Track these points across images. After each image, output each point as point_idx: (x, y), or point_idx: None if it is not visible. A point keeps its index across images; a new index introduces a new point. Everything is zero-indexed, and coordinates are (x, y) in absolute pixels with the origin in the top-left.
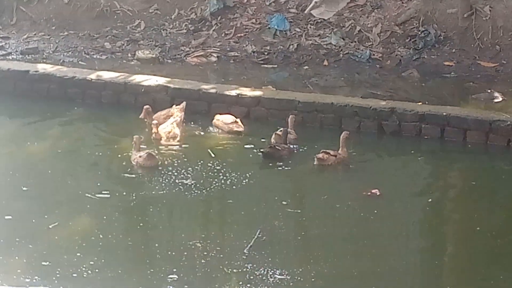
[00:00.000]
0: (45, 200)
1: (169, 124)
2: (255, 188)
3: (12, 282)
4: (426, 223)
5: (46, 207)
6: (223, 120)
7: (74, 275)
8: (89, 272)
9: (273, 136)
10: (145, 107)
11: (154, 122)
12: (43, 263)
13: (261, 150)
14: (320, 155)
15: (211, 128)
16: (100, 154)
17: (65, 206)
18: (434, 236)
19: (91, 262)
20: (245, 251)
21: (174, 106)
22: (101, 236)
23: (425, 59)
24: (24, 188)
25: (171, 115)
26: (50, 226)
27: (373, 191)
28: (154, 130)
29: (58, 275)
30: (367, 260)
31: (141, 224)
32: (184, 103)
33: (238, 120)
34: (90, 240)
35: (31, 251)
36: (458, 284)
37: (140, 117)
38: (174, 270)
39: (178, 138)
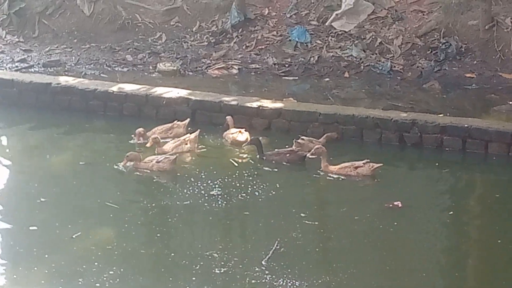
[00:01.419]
0: (68, 211)
1: (177, 142)
2: (274, 199)
3: None
4: (447, 235)
5: (69, 217)
6: (229, 131)
7: (97, 284)
8: (111, 281)
9: (294, 144)
10: (137, 131)
11: (153, 136)
12: (67, 272)
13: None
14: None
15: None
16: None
17: (88, 216)
18: (455, 248)
19: (112, 272)
20: (263, 262)
21: (176, 121)
22: (123, 246)
23: (446, 71)
24: (47, 199)
25: (173, 130)
26: (73, 236)
27: (395, 203)
28: (149, 144)
29: (80, 284)
30: (386, 272)
31: (161, 234)
32: (187, 120)
33: (242, 130)
34: (112, 250)
35: (55, 261)
36: None
37: (136, 141)
38: (193, 279)
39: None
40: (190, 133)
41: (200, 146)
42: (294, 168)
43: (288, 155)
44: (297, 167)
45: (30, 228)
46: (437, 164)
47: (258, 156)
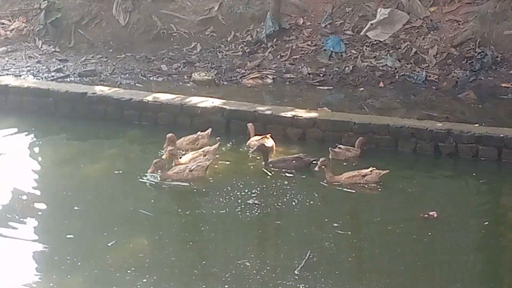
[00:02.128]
0: (103, 219)
1: (196, 154)
2: (308, 209)
3: None
4: (483, 246)
5: (104, 225)
6: (253, 139)
7: None
8: None
9: (330, 153)
10: (168, 135)
11: (170, 148)
12: (102, 281)
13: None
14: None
15: (245, 149)
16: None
17: (123, 224)
18: (491, 260)
19: (146, 280)
20: (296, 271)
21: (199, 132)
22: (156, 254)
23: (481, 80)
24: (83, 208)
25: (198, 141)
26: (109, 244)
27: (430, 213)
28: (166, 156)
29: None
30: (420, 283)
31: (194, 242)
32: (209, 130)
33: (268, 136)
34: (146, 258)
35: (90, 269)
36: None
37: (164, 147)
38: (226, 287)
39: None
40: (210, 145)
41: (227, 156)
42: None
43: (294, 161)
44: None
45: (67, 236)
46: (474, 174)
47: (263, 163)
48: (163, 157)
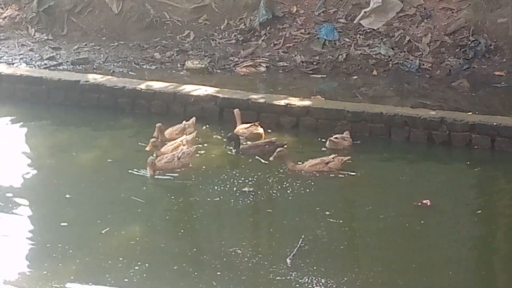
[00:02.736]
0: (96, 207)
1: (175, 144)
2: (301, 197)
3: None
4: (476, 234)
5: (97, 213)
6: (241, 126)
7: (125, 280)
8: (138, 276)
9: (328, 142)
10: (157, 125)
11: (152, 139)
12: (96, 268)
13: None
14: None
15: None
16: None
17: (116, 212)
18: (483, 247)
19: (138, 267)
20: (288, 259)
21: (184, 121)
22: (149, 241)
23: (475, 69)
24: (75, 196)
25: (186, 130)
26: (103, 232)
27: (424, 201)
28: (149, 148)
29: (109, 279)
30: (412, 270)
31: (187, 230)
32: (194, 118)
33: (256, 123)
34: (139, 245)
35: (84, 256)
36: None
37: (154, 135)
38: (218, 274)
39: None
40: (187, 134)
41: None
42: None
43: (267, 146)
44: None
45: (61, 224)
46: (467, 162)
47: (234, 151)
48: (146, 149)
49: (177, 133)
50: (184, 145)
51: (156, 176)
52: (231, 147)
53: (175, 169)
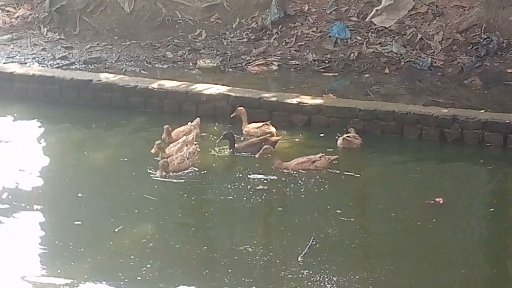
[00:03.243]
0: (108, 206)
1: (178, 145)
2: (312, 196)
3: (80, 287)
4: (488, 232)
5: (110, 212)
6: (253, 126)
7: (138, 278)
8: (150, 274)
9: (341, 141)
10: (165, 127)
11: (157, 142)
12: (109, 266)
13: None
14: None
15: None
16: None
17: (129, 211)
18: (495, 245)
19: (150, 266)
20: (299, 258)
21: (189, 123)
22: (162, 239)
23: (487, 66)
24: (88, 194)
25: (189, 132)
26: (116, 230)
27: (436, 199)
28: (154, 150)
29: (122, 277)
30: (424, 269)
31: (199, 228)
32: (198, 119)
33: (268, 123)
34: (152, 244)
35: (98, 254)
36: None
37: (162, 137)
38: (229, 271)
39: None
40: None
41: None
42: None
43: (263, 143)
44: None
45: (75, 223)
46: (479, 160)
47: (230, 150)
48: (152, 151)
49: (184, 134)
50: (186, 145)
51: (167, 176)
52: (225, 146)
53: (187, 170)
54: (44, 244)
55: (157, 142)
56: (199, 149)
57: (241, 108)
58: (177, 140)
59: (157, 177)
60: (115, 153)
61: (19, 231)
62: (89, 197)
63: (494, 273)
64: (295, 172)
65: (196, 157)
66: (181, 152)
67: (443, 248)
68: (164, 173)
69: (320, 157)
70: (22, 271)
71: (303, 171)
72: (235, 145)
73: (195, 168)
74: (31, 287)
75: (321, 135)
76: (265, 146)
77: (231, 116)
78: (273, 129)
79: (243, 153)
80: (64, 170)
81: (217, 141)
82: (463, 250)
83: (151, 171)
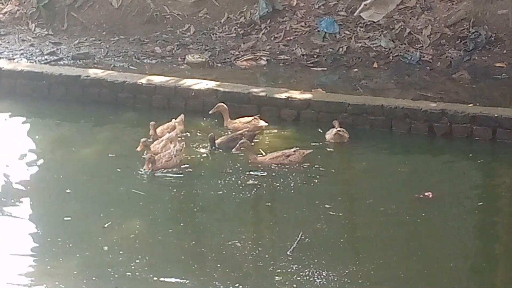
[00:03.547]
0: (97, 202)
1: (162, 142)
2: (301, 190)
3: (70, 283)
4: (476, 226)
5: (98, 208)
6: (241, 120)
7: (128, 273)
8: (140, 269)
9: (332, 135)
10: (151, 123)
11: (143, 139)
12: (98, 262)
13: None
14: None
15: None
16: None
17: (117, 206)
18: (483, 240)
19: (140, 261)
20: (288, 252)
21: (173, 119)
22: (151, 234)
23: (475, 60)
24: (77, 191)
25: (173, 128)
26: (105, 225)
27: (426, 193)
28: (140, 148)
29: (111, 273)
30: (413, 262)
31: (187, 223)
32: (182, 116)
33: (257, 117)
34: (140, 239)
35: (87, 250)
36: (509, 287)
37: (150, 133)
38: (218, 265)
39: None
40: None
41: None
42: (322, 158)
43: (242, 137)
44: (326, 157)
45: (64, 218)
46: (469, 154)
47: (209, 149)
48: (137, 149)
49: (168, 131)
50: (171, 142)
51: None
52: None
53: (175, 167)
54: (33, 240)
55: (142, 139)
56: (185, 146)
57: (221, 104)
58: (162, 137)
59: (145, 172)
60: (103, 149)
61: (5, 227)
62: (76, 193)
63: (482, 266)
64: (284, 167)
65: (183, 155)
66: (168, 149)
67: (432, 241)
68: (151, 168)
69: (294, 151)
70: (10, 268)
71: (285, 167)
72: (215, 140)
73: (182, 166)
74: (20, 283)
75: (319, 130)
76: (241, 141)
77: (210, 112)
78: (262, 123)
79: (221, 150)
80: (52, 166)
81: (208, 149)
82: (452, 244)
83: (139, 166)
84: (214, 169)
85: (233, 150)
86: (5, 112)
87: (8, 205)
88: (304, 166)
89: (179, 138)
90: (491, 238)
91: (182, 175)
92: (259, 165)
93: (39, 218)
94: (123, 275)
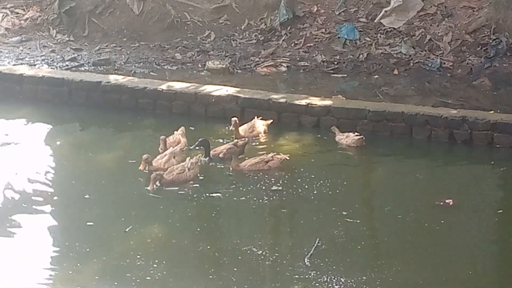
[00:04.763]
0: (119, 207)
1: (165, 157)
2: (318, 197)
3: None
4: (496, 234)
5: (118, 213)
6: (242, 128)
7: (148, 278)
8: (159, 274)
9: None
10: (161, 137)
11: (144, 156)
12: (118, 267)
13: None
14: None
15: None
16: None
17: (139, 211)
18: (503, 248)
19: (158, 265)
20: (306, 259)
21: (175, 132)
22: (170, 239)
23: (496, 67)
24: (97, 196)
25: (177, 141)
26: (126, 230)
27: (446, 201)
28: (142, 167)
29: (132, 277)
30: (432, 270)
31: (208, 227)
32: (183, 128)
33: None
34: (161, 244)
35: (106, 255)
36: None
37: (159, 148)
38: (235, 270)
39: (196, 171)
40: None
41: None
42: (341, 164)
43: (236, 148)
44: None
45: (88, 223)
46: (489, 161)
47: (205, 158)
48: (140, 168)
49: (175, 144)
50: (174, 157)
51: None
52: (200, 153)
53: (188, 181)
54: (53, 245)
55: (144, 156)
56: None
57: (235, 118)
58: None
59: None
60: (124, 155)
61: (25, 232)
62: (96, 198)
63: (501, 274)
64: (304, 174)
65: (198, 169)
66: (171, 164)
67: (451, 249)
68: (156, 186)
69: (272, 157)
70: (32, 272)
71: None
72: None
73: (195, 183)
74: None
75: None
76: (229, 146)
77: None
78: (260, 127)
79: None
80: (72, 171)
81: (191, 147)
82: (471, 252)
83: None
84: (230, 174)
85: (220, 155)
86: (26, 118)
87: (28, 211)
88: (323, 173)
89: (185, 150)
90: (510, 246)
91: (205, 181)
92: (240, 172)
93: (60, 223)
94: (143, 279)
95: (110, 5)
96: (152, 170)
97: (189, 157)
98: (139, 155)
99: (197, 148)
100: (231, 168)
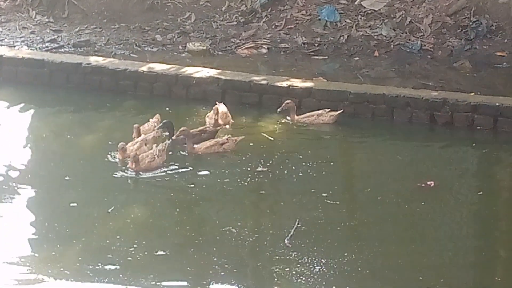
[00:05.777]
0: (100, 188)
1: (137, 144)
2: (297, 179)
3: (74, 268)
4: (475, 215)
5: (102, 194)
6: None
7: (129, 259)
8: (140, 255)
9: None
10: (134, 126)
11: (120, 145)
12: (99, 249)
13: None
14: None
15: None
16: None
17: (120, 192)
18: (483, 229)
19: (140, 246)
20: (286, 240)
21: (150, 119)
22: (152, 221)
23: (477, 49)
24: (77, 178)
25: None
26: (109, 211)
27: (428, 182)
28: (120, 155)
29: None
30: (412, 250)
31: (187, 209)
32: (158, 115)
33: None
34: (141, 225)
35: (90, 235)
36: (507, 276)
37: (133, 136)
38: (214, 249)
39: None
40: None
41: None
42: (321, 146)
43: (203, 134)
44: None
45: (71, 204)
46: (470, 143)
47: (168, 141)
48: (119, 157)
49: (150, 132)
50: (146, 144)
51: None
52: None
53: (159, 167)
54: (34, 226)
55: (119, 146)
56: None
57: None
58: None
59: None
60: (104, 136)
61: (8, 214)
62: (75, 180)
63: (482, 256)
64: (284, 156)
65: (166, 155)
66: (143, 151)
67: (432, 230)
68: (135, 168)
69: (227, 139)
70: (13, 253)
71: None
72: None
73: (165, 168)
74: (24, 269)
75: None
76: (181, 129)
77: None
78: (222, 108)
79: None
80: (52, 153)
81: (156, 128)
82: (451, 233)
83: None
84: (216, 156)
85: (173, 137)
86: (6, 100)
87: (8, 192)
88: (304, 154)
89: (157, 138)
90: (491, 227)
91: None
92: (196, 155)
93: (40, 205)
94: (125, 260)
95: None
96: (125, 158)
97: (155, 144)
98: (120, 137)
99: (161, 130)
100: (186, 152)
